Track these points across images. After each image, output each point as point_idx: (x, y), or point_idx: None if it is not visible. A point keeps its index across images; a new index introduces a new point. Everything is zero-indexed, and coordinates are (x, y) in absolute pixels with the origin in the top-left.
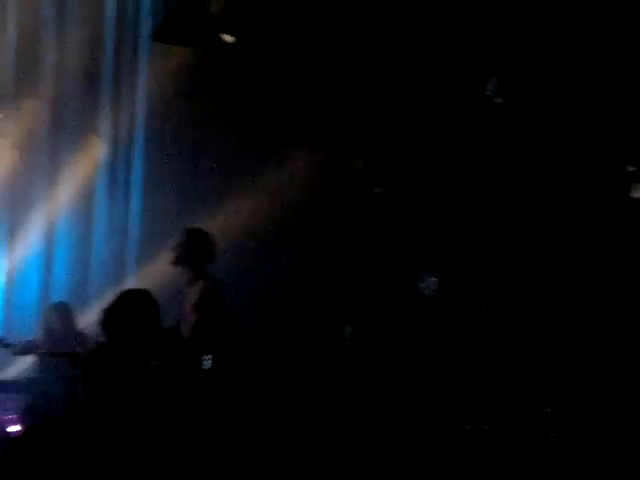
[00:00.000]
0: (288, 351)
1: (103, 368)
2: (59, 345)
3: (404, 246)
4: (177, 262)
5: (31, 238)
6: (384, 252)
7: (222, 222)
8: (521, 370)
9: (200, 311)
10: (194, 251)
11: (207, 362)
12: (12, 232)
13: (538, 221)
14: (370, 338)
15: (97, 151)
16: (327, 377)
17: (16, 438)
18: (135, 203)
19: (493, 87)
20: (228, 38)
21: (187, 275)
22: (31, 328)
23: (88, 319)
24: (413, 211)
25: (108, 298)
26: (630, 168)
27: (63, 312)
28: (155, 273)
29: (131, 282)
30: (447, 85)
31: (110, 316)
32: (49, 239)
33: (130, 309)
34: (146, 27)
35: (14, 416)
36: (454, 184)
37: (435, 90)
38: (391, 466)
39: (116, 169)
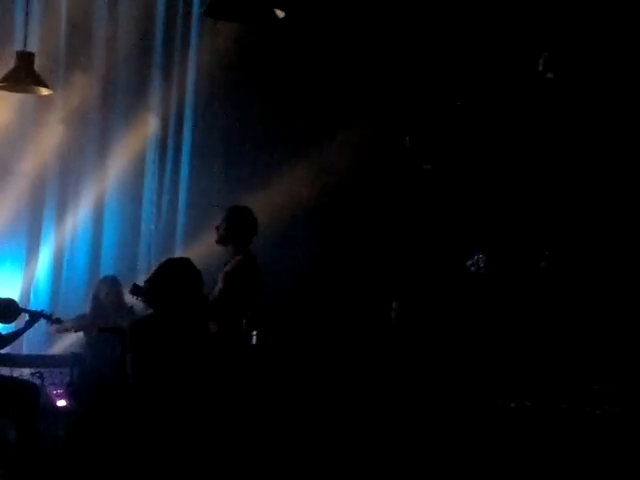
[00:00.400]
0: (335, 328)
1: (149, 339)
2: (107, 319)
3: (452, 223)
4: (220, 241)
5: (80, 213)
6: (432, 229)
7: (270, 198)
8: (568, 347)
9: (227, 280)
10: (236, 229)
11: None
12: (61, 207)
13: (588, 197)
14: (416, 315)
15: (147, 126)
16: (373, 354)
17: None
18: (183, 178)
19: (545, 62)
20: (280, 13)
21: (230, 252)
22: (80, 303)
23: None
24: (461, 188)
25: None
26: None
27: (112, 286)
28: (203, 248)
29: (180, 256)
30: (498, 60)
31: (152, 286)
32: (98, 214)
33: (171, 278)
34: (197, 2)
35: (61, 390)
36: (503, 160)
37: (486, 65)
38: (436, 442)
39: (165, 144)
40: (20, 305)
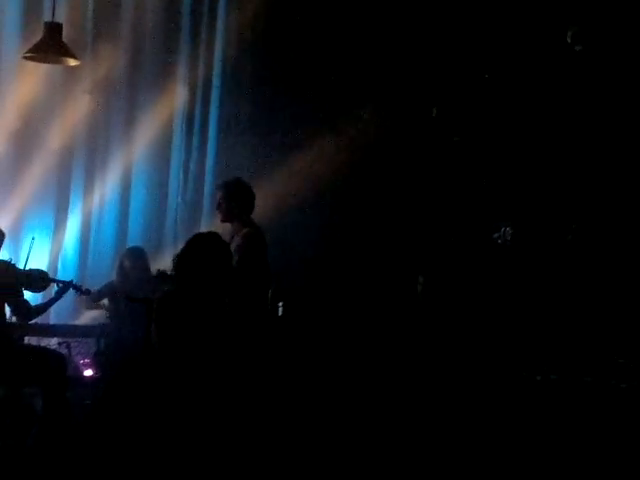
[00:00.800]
0: (362, 302)
1: (176, 311)
2: (134, 290)
3: (479, 195)
4: (226, 219)
5: (107, 184)
6: (459, 202)
7: (299, 169)
8: (594, 320)
9: (241, 253)
10: (238, 203)
11: (280, 308)
12: (89, 178)
13: (616, 170)
14: (443, 289)
15: (174, 97)
16: (400, 328)
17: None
18: (211, 150)
19: (573, 35)
20: None
21: (236, 226)
22: (107, 273)
23: (163, 264)
24: (489, 160)
25: (182, 244)
26: None
27: (138, 257)
28: None
29: (205, 228)
30: (527, 32)
31: (181, 261)
32: (125, 185)
33: (200, 252)
34: None
35: (88, 360)
36: (531, 133)
37: (514, 37)
38: (461, 415)
39: (193, 115)
40: (50, 275)
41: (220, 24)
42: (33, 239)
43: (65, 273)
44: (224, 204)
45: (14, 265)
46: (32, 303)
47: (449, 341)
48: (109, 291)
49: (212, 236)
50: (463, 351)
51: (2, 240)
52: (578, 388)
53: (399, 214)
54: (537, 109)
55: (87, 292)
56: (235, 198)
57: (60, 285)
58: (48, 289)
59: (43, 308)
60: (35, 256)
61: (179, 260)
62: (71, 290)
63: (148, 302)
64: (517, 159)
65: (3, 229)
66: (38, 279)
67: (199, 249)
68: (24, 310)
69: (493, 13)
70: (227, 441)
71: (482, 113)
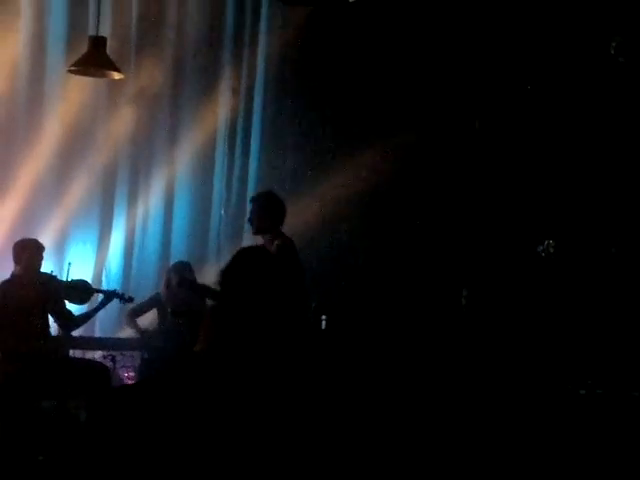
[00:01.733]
0: (405, 316)
1: (223, 326)
2: (180, 304)
3: (522, 209)
4: (258, 231)
5: (151, 197)
6: (502, 215)
7: (342, 182)
8: None
9: None
10: (270, 215)
11: (323, 322)
12: (132, 191)
13: None
14: (487, 302)
15: (217, 111)
16: (444, 341)
17: (129, 386)
18: (253, 163)
19: (617, 47)
20: None
21: (267, 239)
22: (150, 286)
23: (207, 278)
24: (532, 173)
25: (226, 257)
26: None
27: (183, 271)
28: None
29: (249, 241)
30: (570, 44)
31: (227, 276)
32: (169, 198)
33: (247, 267)
34: None
35: (132, 373)
36: (574, 145)
37: (557, 49)
38: (506, 427)
39: (235, 129)
40: (93, 286)
41: (262, 38)
42: (69, 264)
43: (109, 286)
44: (256, 216)
45: (56, 277)
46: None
47: (493, 354)
48: (154, 304)
49: (258, 250)
50: (507, 364)
51: (42, 252)
52: (625, 403)
53: (443, 227)
54: (580, 121)
55: (130, 300)
56: (266, 210)
57: (104, 294)
58: (92, 300)
59: (86, 317)
60: (79, 270)
61: (225, 275)
62: (115, 302)
63: (192, 315)
64: (561, 171)
65: (47, 242)
66: (81, 289)
67: (246, 264)
68: (67, 320)
69: (537, 25)
70: (270, 453)
71: (525, 125)
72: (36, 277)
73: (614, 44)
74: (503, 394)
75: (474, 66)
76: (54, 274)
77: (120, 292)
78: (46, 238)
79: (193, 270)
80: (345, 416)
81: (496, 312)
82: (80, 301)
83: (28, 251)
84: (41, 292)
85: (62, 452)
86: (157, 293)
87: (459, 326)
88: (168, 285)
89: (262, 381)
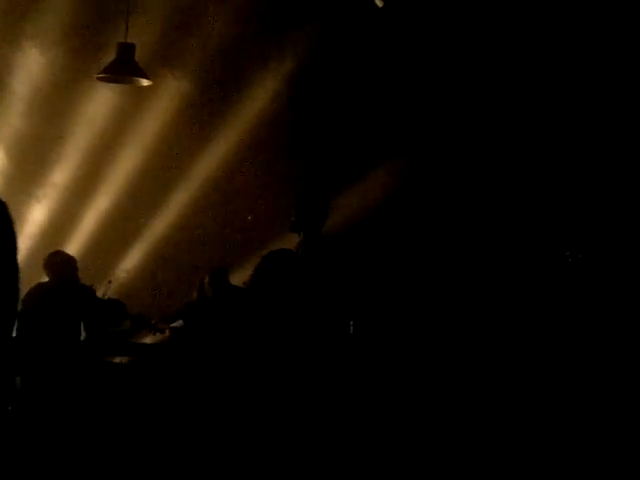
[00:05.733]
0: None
1: (252, 328)
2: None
3: (553, 214)
4: (292, 228)
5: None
6: (533, 220)
7: (371, 190)
8: None
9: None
10: (306, 215)
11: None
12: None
13: None
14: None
15: (241, 120)
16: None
17: None
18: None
19: None
20: (379, 3)
21: (302, 239)
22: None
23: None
24: (560, 178)
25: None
26: None
27: (219, 276)
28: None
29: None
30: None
31: (257, 277)
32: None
33: (275, 269)
34: None
35: None
36: (603, 154)
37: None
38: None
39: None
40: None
41: (288, 49)
42: (110, 282)
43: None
44: (292, 214)
45: (94, 291)
46: None
47: (521, 359)
48: (186, 311)
49: (285, 253)
50: (536, 369)
51: (75, 264)
52: None
53: (470, 232)
54: (609, 133)
55: (162, 331)
56: (301, 209)
57: (132, 322)
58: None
59: (114, 339)
60: None
61: (255, 278)
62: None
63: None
64: (589, 177)
65: (77, 252)
66: (115, 308)
67: (274, 266)
68: (96, 332)
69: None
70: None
71: (554, 137)
72: (67, 287)
73: None
74: (534, 397)
75: (483, 81)
76: (93, 288)
77: (152, 321)
78: (75, 246)
79: (228, 275)
80: (374, 420)
81: (523, 317)
82: (112, 322)
83: (59, 262)
84: (70, 303)
85: None
86: (189, 302)
87: (486, 331)
88: (201, 289)
89: (288, 386)
